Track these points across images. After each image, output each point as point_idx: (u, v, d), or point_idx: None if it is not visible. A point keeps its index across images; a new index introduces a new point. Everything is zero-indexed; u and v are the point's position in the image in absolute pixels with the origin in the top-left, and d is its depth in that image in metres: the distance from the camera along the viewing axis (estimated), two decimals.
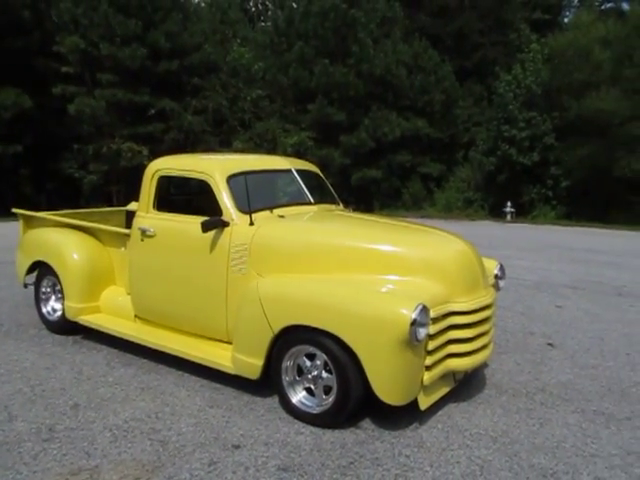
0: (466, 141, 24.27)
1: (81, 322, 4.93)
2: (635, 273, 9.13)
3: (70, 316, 4.99)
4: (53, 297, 5.34)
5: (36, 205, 14.55)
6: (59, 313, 5.21)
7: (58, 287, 5.17)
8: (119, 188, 19.30)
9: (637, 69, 18.94)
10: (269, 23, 26.15)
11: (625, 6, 26.02)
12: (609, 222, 17.79)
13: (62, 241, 5.20)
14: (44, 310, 5.37)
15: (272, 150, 19.57)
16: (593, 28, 20.58)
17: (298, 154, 17.96)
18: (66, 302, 5.01)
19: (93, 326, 4.87)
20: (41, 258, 5.26)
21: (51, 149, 19.50)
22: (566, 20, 29.87)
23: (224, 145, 21.03)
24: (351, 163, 21.52)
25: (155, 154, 6.60)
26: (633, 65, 19.05)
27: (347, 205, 5.69)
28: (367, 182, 21.98)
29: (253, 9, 34.34)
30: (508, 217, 19.84)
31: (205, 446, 3.28)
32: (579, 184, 19.97)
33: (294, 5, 22.88)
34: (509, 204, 19.91)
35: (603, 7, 29.22)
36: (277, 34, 22.84)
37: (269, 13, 30.14)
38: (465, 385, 4.13)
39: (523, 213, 20.47)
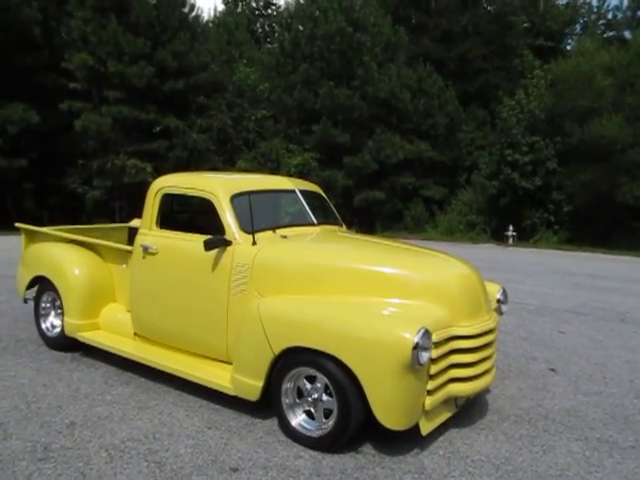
0: (469, 165, 24.40)
1: (80, 339, 4.89)
2: (638, 299, 9.07)
3: (69, 332, 4.95)
4: (53, 313, 5.30)
5: (38, 220, 14.58)
6: (58, 329, 5.18)
7: (58, 303, 5.15)
8: (122, 204, 19.36)
9: (639, 96, 19.07)
10: (275, 45, 26.48)
11: (627, 34, 26.29)
12: (611, 247, 17.77)
13: (63, 256, 5.18)
14: (43, 326, 5.33)
15: (276, 170, 19.67)
16: (596, 55, 20.78)
17: (302, 174, 18.04)
18: (65, 318, 4.97)
19: (92, 343, 4.83)
20: (42, 273, 5.25)
21: (56, 164, 19.61)
22: (569, 47, 30.22)
23: (228, 164, 21.15)
24: (354, 184, 21.63)
25: (159, 171, 6.64)
26: (635, 92, 19.21)
27: (350, 226, 5.69)
28: (370, 203, 22.07)
29: (260, 30, 34.83)
30: (510, 241, 19.84)
31: (203, 469, 3.22)
32: (581, 209, 20.01)
33: (300, 28, 23.18)
34: (511, 228, 19.93)
35: (606, 35, 29.56)
36: (283, 56, 23.13)
37: (276, 35, 30.51)
38: (467, 410, 4.07)
39: (525, 237, 20.48)
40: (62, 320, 5.05)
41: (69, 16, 18.99)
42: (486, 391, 4.43)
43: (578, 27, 32.18)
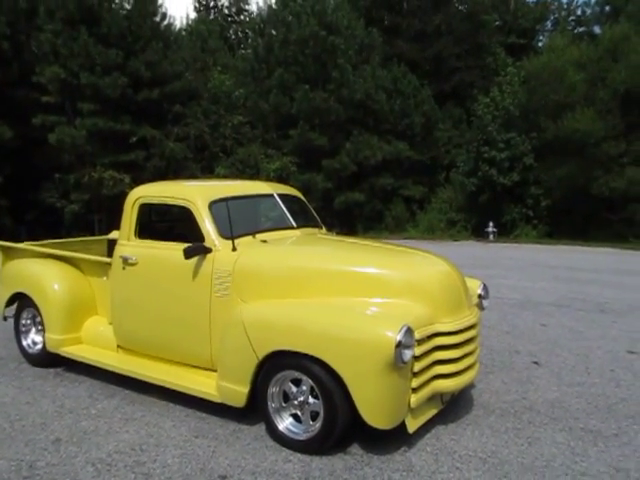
0: (447, 163, 24.57)
1: (63, 354, 4.84)
2: (616, 290, 9.23)
3: (51, 348, 4.90)
4: (33, 329, 5.24)
5: (16, 236, 14.37)
6: (40, 345, 5.12)
7: (38, 319, 5.08)
8: (101, 217, 19.15)
9: (609, 90, 19.40)
10: (249, 50, 26.45)
11: (597, 30, 26.75)
12: (589, 240, 18.03)
13: (42, 272, 5.13)
14: (24, 343, 5.26)
15: (255, 176, 19.62)
16: (567, 51, 21.08)
17: (281, 179, 18.03)
18: (47, 334, 4.92)
19: (75, 358, 4.78)
20: (21, 290, 5.18)
21: (31, 179, 19.33)
22: (540, 44, 30.63)
23: (206, 172, 21.04)
24: (334, 187, 21.66)
25: (137, 182, 6.59)
26: (606, 87, 19.53)
27: (331, 229, 5.71)
28: (350, 205, 22.11)
29: (233, 37, 34.74)
30: (491, 237, 20.01)
31: (191, 477, 3.21)
32: (559, 203, 20.26)
33: (274, 33, 23.18)
34: (491, 224, 20.10)
35: (576, 31, 30.02)
36: (257, 61, 23.09)
37: (249, 41, 30.49)
38: (453, 406, 4.11)
39: (505, 233, 20.68)
40: (43, 336, 4.99)
41: (39, 29, 18.77)
42: (471, 386, 4.48)
43: (549, 24, 32.69)
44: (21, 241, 5.95)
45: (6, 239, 5.91)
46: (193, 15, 38.15)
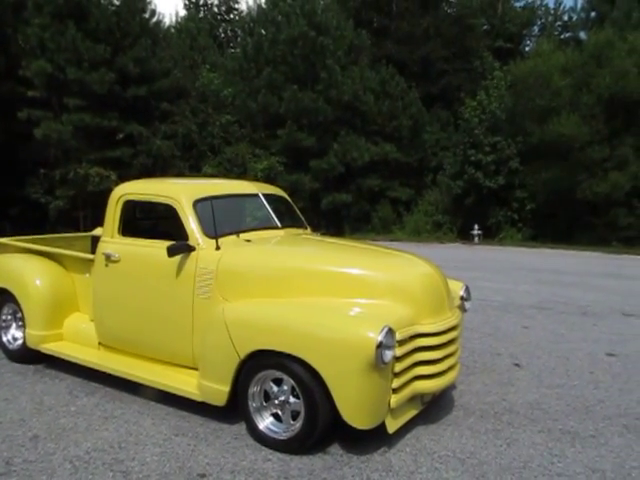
0: (434, 165, 24.72)
1: (43, 350, 4.81)
2: (598, 293, 9.33)
3: (32, 344, 4.86)
4: (14, 325, 5.19)
5: (0, 231, 14.21)
6: (20, 342, 5.07)
7: (19, 315, 5.04)
8: (86, 213, 19.01)
9: (594, 96, 19.63)
10: (238, 49, 26.41)
11: (582, 35, 27.02)
12: (573, 243, 18.23)
13: (23, 267, 5.08)
14: (4, 339, 5.21)
15: (242, 175, 19.58)
16: (553, 56, 21.30)
17: (268, 179, 18.03)
18: (27, 330, 4.88)
19: (56, 354, 4.75)
20: (2, 285, 5.13)
21: (16, 174, 19.13)
22: (527, 48, 30.92)
23: (194, 170, 20.97)
24: (321, 187, 21.71)
25: (123, 179, 6.53)
26: (590, 92, 19.76)
27: (318, 229, 5.71)
28: (337, 206, 22.17)
29: (222, 35, 34.67)
30: (476, 239, 20.17)
31: (170, 476, 3.20)
32: (544, 207, 20.47)
33: (263, 32, 23.16)
34: (476, 227, 20.26)
35: (562, 36, 30.33)
36: (246, 60, 23.08)
37: (238, 39, 30.42)
38: (433, 407, 4.14)
39: (490, 235, 20.85)
40: (24, 332, 4.95)
41: (26, 23, 18.58)
42: (452, 387, 4.51)
43: (536, 29, 33.04)
44: (5, 236, 5.89)
45: None
46: (182, 13, 38.07)
